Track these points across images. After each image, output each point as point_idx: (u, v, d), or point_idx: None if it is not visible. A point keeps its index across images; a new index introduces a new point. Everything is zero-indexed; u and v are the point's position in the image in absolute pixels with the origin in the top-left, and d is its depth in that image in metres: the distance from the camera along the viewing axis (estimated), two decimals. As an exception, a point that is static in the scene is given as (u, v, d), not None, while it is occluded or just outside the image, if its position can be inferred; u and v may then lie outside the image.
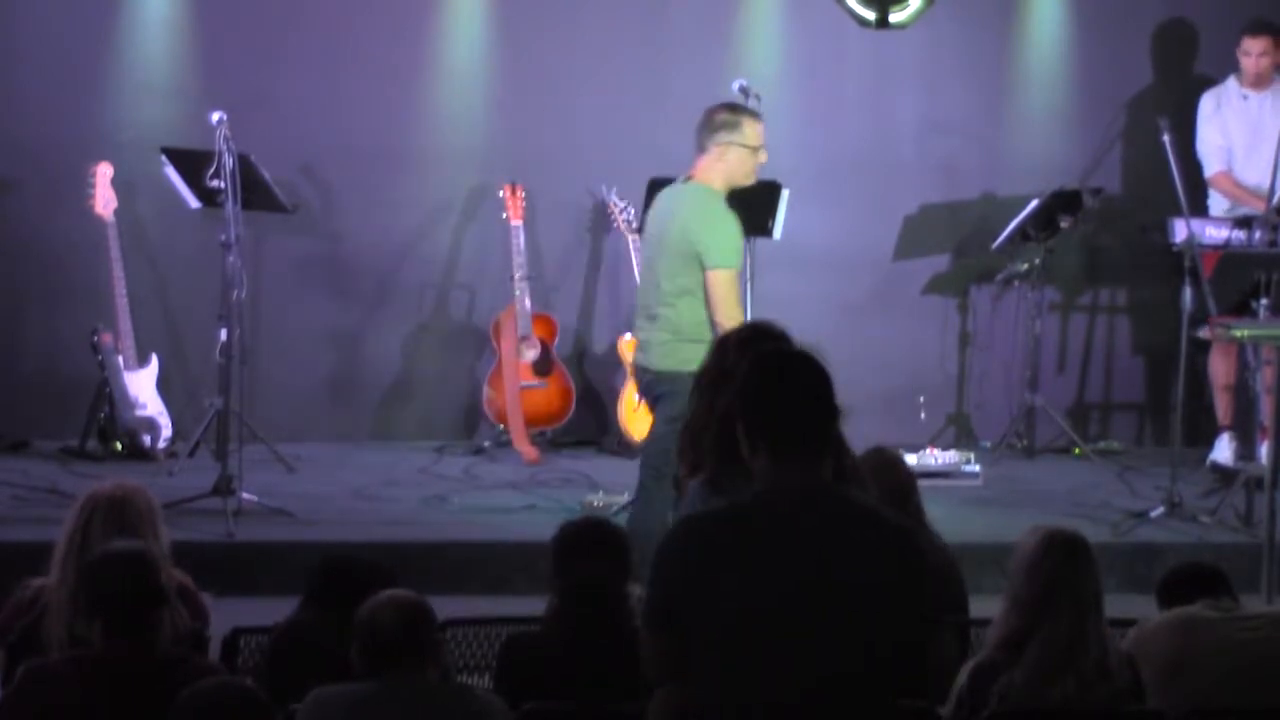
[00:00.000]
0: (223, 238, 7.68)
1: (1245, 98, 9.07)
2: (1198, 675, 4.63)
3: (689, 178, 6.82)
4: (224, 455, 7.55)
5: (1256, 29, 8.99)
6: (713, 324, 6.54)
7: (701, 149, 6.76)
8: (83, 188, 8.62)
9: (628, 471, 8.35)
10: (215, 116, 7.65)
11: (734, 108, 6.89)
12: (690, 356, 6.25)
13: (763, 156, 6.80)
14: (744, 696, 3.31)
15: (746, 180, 6.82)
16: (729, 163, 6.72)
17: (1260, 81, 9.04)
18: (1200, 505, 7.98)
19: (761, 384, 3.49)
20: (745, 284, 7.61)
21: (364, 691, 4.03)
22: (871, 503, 3.43)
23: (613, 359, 9.38)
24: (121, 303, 8.57)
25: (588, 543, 4.66)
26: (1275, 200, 8.59)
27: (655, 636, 3.43)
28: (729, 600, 3.32)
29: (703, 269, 6.58)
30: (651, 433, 6.77)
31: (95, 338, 8.58)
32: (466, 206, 9.46)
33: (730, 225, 6.66)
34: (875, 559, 3.30)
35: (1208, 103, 9.12)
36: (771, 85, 8.62)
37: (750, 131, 6.74)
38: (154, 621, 4.18)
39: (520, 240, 9.10)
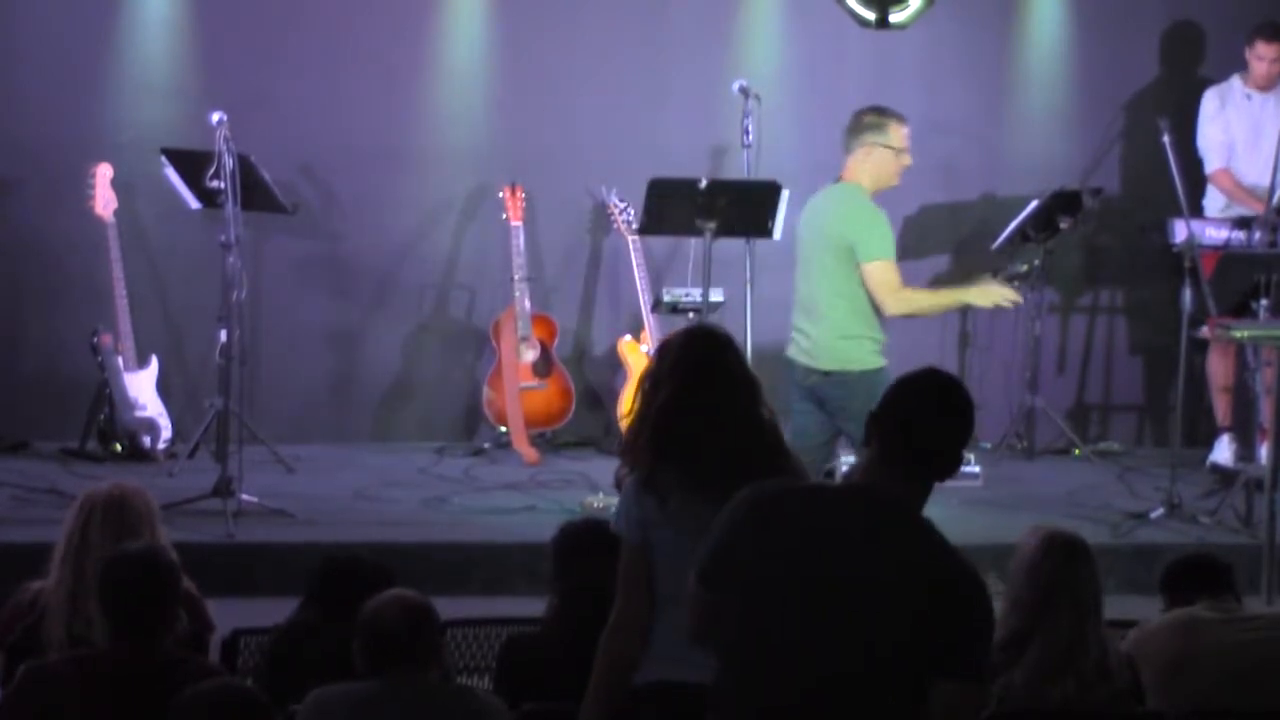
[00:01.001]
0: (223, 238, 7.67)
1: (1249, 97, 9.07)
2: (1198, 676, 4.63)
3: (838, 179, 6.99)
4: (224, 456, 7.54)
5: (1272, 34, 8.97)
6: (880, 317, 6.79)
7: (848, 150, 6.95)
8: (83, 188, 8.62)
9: (628, 472, 8.38)
10: (215, 117, 7.63)
11: (881, 110, 7.02)
12: (855, 354, 6.75)
13: (906, 159, 6.98)
14: (754, 680, 3.34)
15: (891, 181, 6.99)
16: (874, 163, 6.90)
17: (1267, 84, 9.04)
18: (1200, 506, 7.98)
19: (916, 390, 3.56)
20: (746, 286, 7.63)
21: (364, 692, 4.03)
22: (944, 540, 3.41)
23: (613, 360, 9.38)
24: (121, 303, 8.56)
25: (588, 544, 4.66)
26: (1275, 200, 8.59)
27: (698, 589, 3.52)
28: (757, 576, 3.37)
29: (857, 265, 6.76)
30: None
31: (95, 338, 8.57)
32: (466, 206, 9.46)
33: (878, 218, 6.84)
34: (913, 573, 3.30)
35: (1212, 100, 9.12)
36: (771, 85, 8.62)
37: (895, 134, 6.92)
38: (165, 625, 4.18)
39: (520, 241, 9.09)
